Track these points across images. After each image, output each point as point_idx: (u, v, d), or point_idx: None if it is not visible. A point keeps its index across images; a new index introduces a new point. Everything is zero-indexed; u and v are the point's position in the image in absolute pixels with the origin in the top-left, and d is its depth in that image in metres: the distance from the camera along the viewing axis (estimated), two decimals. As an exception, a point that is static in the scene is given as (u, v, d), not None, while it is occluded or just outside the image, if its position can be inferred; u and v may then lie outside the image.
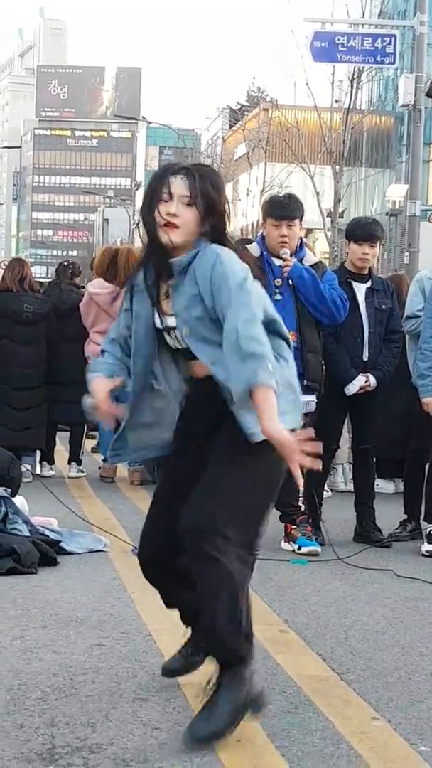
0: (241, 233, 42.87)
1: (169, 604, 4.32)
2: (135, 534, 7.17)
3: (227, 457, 3.78)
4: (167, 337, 3.99)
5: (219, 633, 3.74)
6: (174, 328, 3.93)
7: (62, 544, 6.69)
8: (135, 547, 6.73)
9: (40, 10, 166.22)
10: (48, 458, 10.10)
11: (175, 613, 4.29)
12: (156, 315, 3.97)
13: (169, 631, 4.84)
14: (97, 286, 9.61)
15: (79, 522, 7.43)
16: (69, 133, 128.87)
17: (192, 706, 4.05)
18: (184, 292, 3.86)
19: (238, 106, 64.73)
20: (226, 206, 3.96)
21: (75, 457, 10.11)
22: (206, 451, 3.87)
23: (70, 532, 6.96)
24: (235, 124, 60.50)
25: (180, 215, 3.83)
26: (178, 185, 3.85)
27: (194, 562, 3.74)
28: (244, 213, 55.63)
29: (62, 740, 3.74)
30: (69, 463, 10.14)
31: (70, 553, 6.66)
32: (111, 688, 4.30)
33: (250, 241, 8.08)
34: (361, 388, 7.33)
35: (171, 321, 3.94)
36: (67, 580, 6.09)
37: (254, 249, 7.14)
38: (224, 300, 3.71)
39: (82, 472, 10.02)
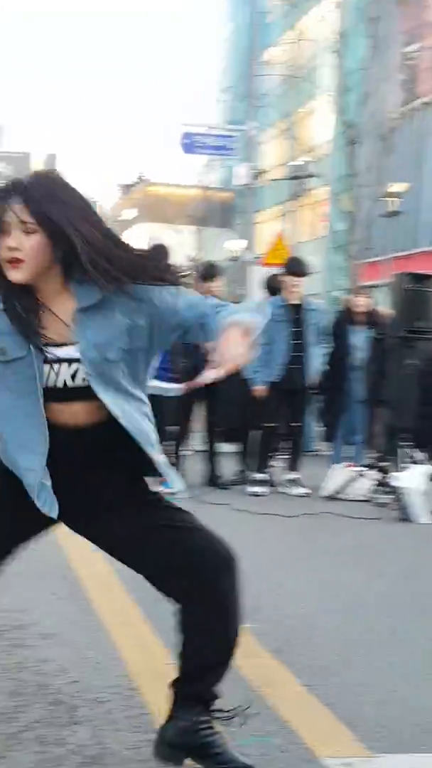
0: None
1: None
2: None
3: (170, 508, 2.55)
4: (47, 373, 2.28)
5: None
6: (71, 360, 2.27)
7: None
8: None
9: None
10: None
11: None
12: (27, 347, 2.26)
13: (74, 543, 4.90)
14: None
15: None
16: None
17: (85, 583, 4.07)
18: (104, 326, 2.28)
19: (130, 182, 64.30)
20: (82, 214, 2.24)
21: None
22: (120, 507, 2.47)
23: None
24: (127, 194, 60.16)
25: (22, 247, 2.22)
26: (12, 211, 2.21)
27: (221, 588, 2.46)
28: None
29: (3, 622, 3.73)
30: None
31: None
32: (34, 585, 4.26)
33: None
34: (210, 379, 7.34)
35: (64, 352, 2.28)
36: None
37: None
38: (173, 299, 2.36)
39: None
